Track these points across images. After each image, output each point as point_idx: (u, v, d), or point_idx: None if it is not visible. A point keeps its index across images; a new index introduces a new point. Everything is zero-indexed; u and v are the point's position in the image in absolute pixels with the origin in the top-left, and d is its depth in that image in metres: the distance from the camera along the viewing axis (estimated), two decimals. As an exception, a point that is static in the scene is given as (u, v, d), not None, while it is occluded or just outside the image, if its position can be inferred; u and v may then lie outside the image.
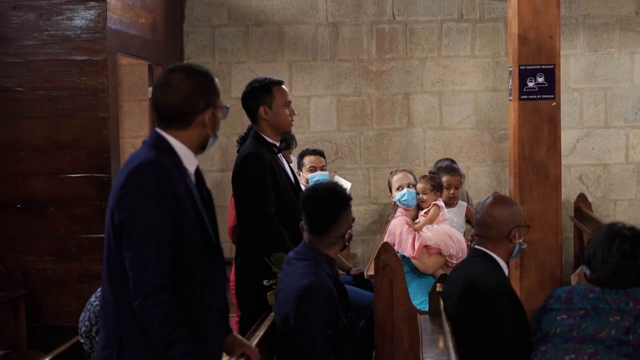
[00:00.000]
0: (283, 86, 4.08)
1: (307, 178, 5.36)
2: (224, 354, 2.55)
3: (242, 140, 4.83)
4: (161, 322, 2.19)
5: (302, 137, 7.41)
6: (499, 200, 3.13)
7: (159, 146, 2.38)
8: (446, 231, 4.62)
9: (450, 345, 2.61)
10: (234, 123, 7.48)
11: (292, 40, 7.38)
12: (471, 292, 2.92)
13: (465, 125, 7.29)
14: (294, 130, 7.43)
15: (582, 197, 6.97)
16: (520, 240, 3.04)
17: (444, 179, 5.20)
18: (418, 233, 4.62)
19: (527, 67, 4.25)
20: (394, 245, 4.50)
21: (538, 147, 4.28)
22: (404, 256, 4.59)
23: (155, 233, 2.22)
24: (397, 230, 4.69)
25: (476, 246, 3.07)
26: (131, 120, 7.42)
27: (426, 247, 4.59)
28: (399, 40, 7.31)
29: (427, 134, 7.32)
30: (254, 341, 2.79)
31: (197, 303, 2.31)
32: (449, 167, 5.63)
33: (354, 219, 3.26)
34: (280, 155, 4.05)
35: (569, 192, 7.18)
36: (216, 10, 7.44)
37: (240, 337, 2.61)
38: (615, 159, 7.21)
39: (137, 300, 2.21)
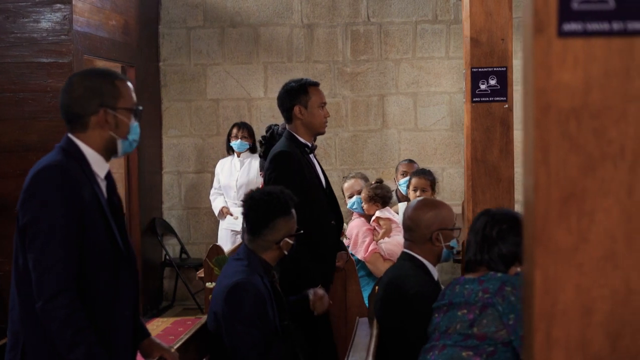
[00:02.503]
0: (319, 88, 4.05)
1: (271, 180, 5.36)
2: (143, 358, 2.56)
3: (265, 142, 4.80)
4: (63, 324, 2.20)
5: (277, 138, 7.43)
6: (423, 203, 3.14)
7: (67, 150, 2.39)
8: (399, 241, 4.64)
9: (372, 347, 2.61)
10: (209, 124, 7.50)
11: (267, 41, 7.38)
12: (394, 295, 2.92)
13: (440, 126, 7.28)
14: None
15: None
16: (448, 243, 3.03)
17: (412, 181, 5.22)
18: (375, 241, 4.64)
19: (480, 70, 4.24)
20: (349, 246, 4.50)
21: (490, 149, 4.27)
22: (361, 260, 4.60)
23: (58, 236, 2.23)
24: (354, 231, 4.69)
25: (404, 249, 3.07)
26: (107, 121, 7.42)
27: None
28: (374, 41, 7.31)
29: (402, 135, 7.32)
30: (177, 344, 2.80)
31: (103, 307, 2.32)
32: (421, 170, 5.61)
33: (299, 229, 3.21)
34: (312, 155, 4.03)
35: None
36: (192, 12, 7.45)
37: (157, 340, 2.62)
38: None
39: (39, 303, 2.22)
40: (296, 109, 3.93)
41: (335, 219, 4.03)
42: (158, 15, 7.44)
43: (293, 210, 3.17)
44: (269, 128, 4.83)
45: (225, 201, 6.72)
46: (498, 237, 2.64)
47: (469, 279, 2.65)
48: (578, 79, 1.42)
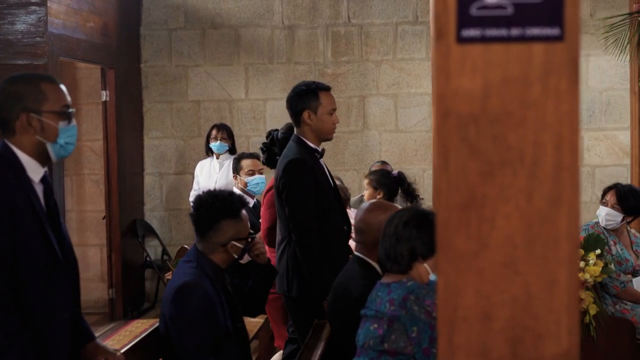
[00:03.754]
0: (330, 93, 3.95)
1: (245, 182, 5.37)
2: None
3: (267, 148, 4.75)
4: (-6, 328, 2.21)
5: (258, 140, 7.41)
6: (374, 206, 3.12)
7: (2, 155, 2.39)
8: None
9: (319, 350, 2.61)
10: (191, 126, 7.50)
11: (248, 43, 7.38)
12: (340, 298, 2.92)
13: (421, 127, 7.28)
14: (249, 132, 7.51)
15: (535, 200, 6.95)
16: None
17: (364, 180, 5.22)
18: None
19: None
20: None
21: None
22: None
23: (-13, 241, 2.23)
24: None
25: (355, 252, 3.06)
26: (89, 123, 7.43)
27: None
28: (355, 43, 7.31)
29: (383, 136, 7.32)
30: (125, 347, 2.80)
31: (38, 311, 2.32)
32: (373, 171, 5.54)
33: (252, 234, 3.18)
34: (321, 160, 3.96)
35: (524, 194, 7.17)
36: (173, 14, 7.45)
37: (102, 343, 2.62)
38: (570, 162, 7.18)
39: None
40: (305, 114, 3.82)
41: (346, 224, 3.97)
42: (139, 16, 7.44)
43: (243, 214, 3.15)
44: (269, 134, 4.80)
45: (205, 203, 6.72)
46: (399, 234, 2.57)
47: (382, 285, 2.61)
48: (477, 85, 1.42)
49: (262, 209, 4.63)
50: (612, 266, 4.43)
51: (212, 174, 6.72)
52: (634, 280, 4.53)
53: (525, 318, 1.45)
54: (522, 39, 1.41)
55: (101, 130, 7.04)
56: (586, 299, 4.19)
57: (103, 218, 7.09)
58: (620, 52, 5.05)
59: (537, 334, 1.45)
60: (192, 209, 3.21)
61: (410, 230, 2.53)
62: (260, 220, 4.68)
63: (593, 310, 4.20)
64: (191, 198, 6.84)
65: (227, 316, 3.03)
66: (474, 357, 1.46)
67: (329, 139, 4.02)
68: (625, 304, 4.49)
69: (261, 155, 4.85)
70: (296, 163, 3.78)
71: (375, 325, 2.51)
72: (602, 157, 7.15)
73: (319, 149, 3.91)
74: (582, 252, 4.18)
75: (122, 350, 2.70)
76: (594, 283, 4.21)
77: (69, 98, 2.49)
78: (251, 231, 3.21)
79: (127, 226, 7.18)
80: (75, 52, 6.06)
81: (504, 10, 1.42)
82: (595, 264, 4.14)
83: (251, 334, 4.73)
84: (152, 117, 7.51)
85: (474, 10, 1.42)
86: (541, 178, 1.42)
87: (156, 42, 7.47)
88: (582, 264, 4.14)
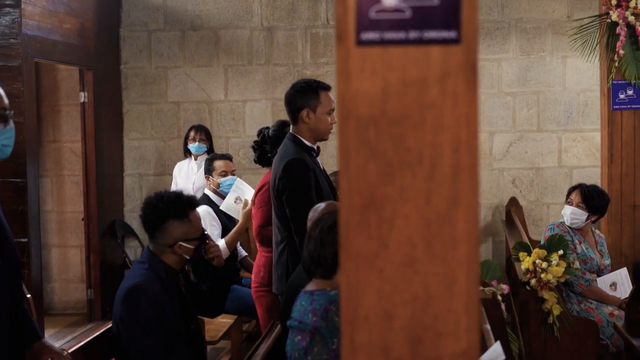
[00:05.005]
0: (330, 93, 3.91)
1: (218, 182, 5.38)
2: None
3: (258, 147, 4.76)
4: None
5: (238, 141, 7.45)
6: (329, 206, 3.13)
7: None
8: None
9: (263, 349, 2.63)
10: (171, 127, 7.52)
11: (228, 44, 7.40)
12: (291, 299, 2.93)
13: (400, 129, 7.28)
14: (229, 133, 7.52)
15: (513, 201, 6.98)
16: None
17: None
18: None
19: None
20: None
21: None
22: None
23: None
24: None
25: None
26: (69, 124, 7.45)
27: None
28: (333, 44, 7.32)
29: (361, 137, 7.32)
30: (74, 347, 2.81)
31: None
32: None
33: (203, 235, 3.18)
34: (317, 158, 3.92)
35: (502, 195, 7.20)
36: (152, 15, 7.47)
37: (49, 343, 2.63)
38: (548, 163, 7.22)
39: None
40: (304, 112, 3.78)
41: None
42: (119, 18, 7.45)
43: (193, 215, 3.16)
44: (260, 132, 4.80)
45: (183, 204, 6.73)
46: (324, 237, 2.52)
47: (306, 294, 2.55)
48: (376, 87, 1.44)
49: (253, 208, 4.62)
50: (577, 264, 4.46)
51: (190, 175, 6.74)
52: (599, 279, 4.56)
53: (425, 317, 1.46)
54: (420, 41, 1.43)
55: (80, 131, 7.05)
56: (550, 300, 4.22)
57: (82, 219, 7.10)
58: (590, 54, 5.07)
59: (436, 333, 1.47)
60: (141, 211, 3.22)
61: (334, 235, 2.47)
62: (252, 219, 4.67)
63: (557, 311, 4.22)
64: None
65: (180, 318, 3.04)
66: (375, 356, 1.48)
67: (325, 139, 3.97)
68: (590, 303, 4.52)
69: (254, 154, 4.84)
70: (296, 163, 3.72)
71: (299, 337, 2.45)
72: (580, 158, 7.17)
73: (315, 148, 3.88)
74: (544, 252, 4.20)
75: (72, 350, 2.71)
76: (558, 284, 4.24)
77: (6, 100, 2.51)
78: (205, 232, 3.21)
79: (106, 227, 7.19)
80: (50, 53, 6.07)
81: (402, 14, 1.43)
82: (557, 265, 4.16)
83: (219, 334, 4.75)
84: (132, 118, 7.52)
85: (373, 14, 1.44)
86: (439, 179, 1.44)
87: (136, 43, 7.48)
88: (544, 264, 4.16)
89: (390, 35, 1.43)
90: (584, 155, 7.17)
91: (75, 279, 7.56)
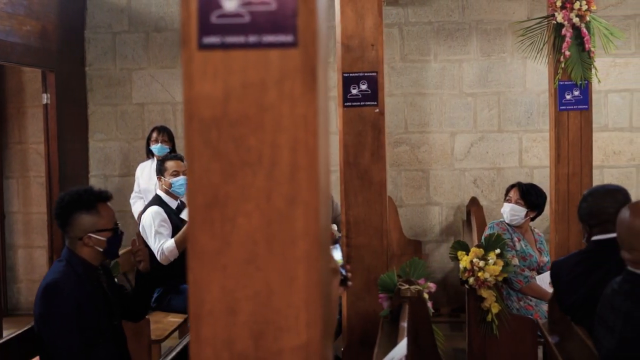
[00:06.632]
0: None
1: (170, 183, 5.42)
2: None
3: None
4: None
5: (202, 142, 7.48)
6: None
7: None
8: None
9: (179, 347, 2.67)
10: (135, 129, 7.55)
11: (192, 46, 7.42)
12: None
13: (362, 129, 7.34)
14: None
15: (473, 201, 7.04)
16: None
17: None
18: None
19: (351, 75, 4.32)
20: None
21: (362, 153, 4.34)
22: None
23: None
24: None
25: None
26: (35, 126, 7.49)
27: None
28: (296, 46, 7.36)
29: (332, 138, 7.36)
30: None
31: None
32: None
33: (115, 228, 3.20)
34: None
35: (463, 195, 7.26)
36: (117, 17, 7.50)
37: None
38: (509, 163, 7.28)
39: None
40: None
41: None
42: (83, 20, 7.48)
43: (101, 207, 3.16)
44: None
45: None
46: None
47: None
48: (218, 90, 1.49)
49: None
50: (516, 261, 4.53)
51: (152, 176, 6.76)
52: (538, 277, 4.62)
53: (267, 312, 1.51)
54: (259, 45, 1.48)
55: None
56: (488, 298, 4.27)
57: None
58: (537, 55, 5.13)
59: (278, 327, 1.51)
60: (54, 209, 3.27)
61: None
62: None
63: (495, 309, 4.28)
64: (132, 200, 6.89)
65: (102, 314, 3.08)
66: (219, 349, 1.52)
67: None
68: (530, 300, 4.58)
69: None
70: None
71: None
72: (540, 159, 7.23)
73: None
74: (482, 251, 4.26)
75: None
76: (496, 282, 4.29)
77: None
78: (117, 223, 3.21)
79: (70, 228, 7.21)
80: (9, 55, 6.10)
81: (242, 19, 1.48)
82: (495, 264, 4.22)
83: (165, 333, 4.79)
84: (97, 120, 7.56)
85: (214, 19, 1.48)
86: (279, 178, 1.49)
87: (100, 45, 7.51)
88: (481, 263, 4.22)
89: (231, 39, 1.48)
90: (545, 156, 7.22)
91: (41, 280, 7.55)
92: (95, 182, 7.58)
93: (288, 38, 1.47)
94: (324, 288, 1.56)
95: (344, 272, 2.65)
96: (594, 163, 6.87)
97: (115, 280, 4.21)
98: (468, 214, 7.01)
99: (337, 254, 2.65)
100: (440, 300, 6.95)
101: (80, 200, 3.12)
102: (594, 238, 3.13)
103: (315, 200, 1.50)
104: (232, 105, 1.49)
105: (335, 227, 4.31)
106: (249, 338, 1.52)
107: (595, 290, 2.83)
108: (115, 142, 7.56)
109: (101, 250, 3.15)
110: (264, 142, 1.49)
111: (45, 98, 6.94)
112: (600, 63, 6.76)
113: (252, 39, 1.48)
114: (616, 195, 3.08)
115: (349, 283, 2.66)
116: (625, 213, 2.50)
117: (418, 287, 3.62)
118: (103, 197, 3.20)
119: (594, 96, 6.83)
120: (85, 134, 7.54)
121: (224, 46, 1.48)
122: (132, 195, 6.88)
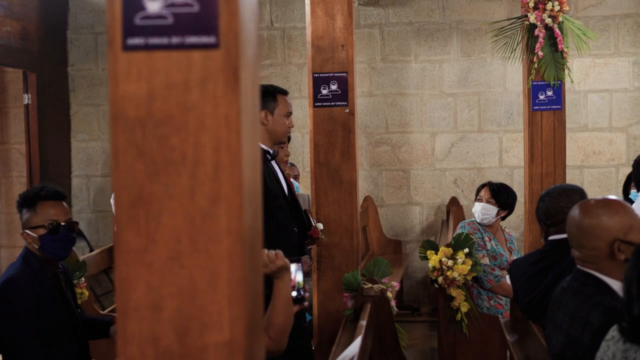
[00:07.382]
0: (287, 97, 3.96)
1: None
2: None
3: None
4: None
5: (184, 142, 7.51)
6: None
7: None
8: None
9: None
10: (117, 129, 7.57)
11: (174, 46, 7.45)
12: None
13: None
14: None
15: (453, 201, 7.07)
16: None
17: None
18: None
19: (321, 75, 4.35)
20: None
21: (333, 152, 4.37)
22: None
23: None
24: None
25: None
26: (17, 126, 7.49)
27: None
28: (277, 46, 7.40)
29: (305, 138, 7.41)
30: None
31: None
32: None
33: (48, 226, 3.13)
34: (274, 162, 3.92)
35: (444, 195, 7.29)
36: (99, 18, 7.53)
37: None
38: (489, 163, 7.32)
39: None
40: (262, 114, 3.80)
41: (297, 226, 3.96)
42: (66, 21, 7.51)
43: (40, 204, 3.12)
44: None
45: (126, 204, 6.80)
46: None
47: None
48: (142, 90, 1.51)
49: None
50: (487, 260, 4.56)
51: (133, 176, 6.80)
52: (507, 276, 4.65)
53: (191, 309, 1.54)
54: (181, 46, 1.50)
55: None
56: (458, 297, 4.30)
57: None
58: (511, 54, 5.17)
59: (202, 324, 1.54)
60: None
61: None
62: None
63: (465, 308, 4.31)
64: (112, 200, 6.92)
65: (62, 310, 3.11)
66: (145, 345, 1.55)
67: (282, 142, 4.02)
68: (500, 299, 4.61)
69: None
70: None
71: None
72: (520, 159, 7.25)
73: (271, 151, 3.90)
74: (451, 251, 4.29)
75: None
76: (465, 281, 4.32)
77: None
78: (58, 223, 3.13)
79: (52, 228, 7.23)
80: (-12, 56, 6.13)
81: (165, 20, 1.51)
82: (464, 263, 4.25)
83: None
84: (79, 120, 7.58)
85: (138, 20, 1.51)
86: (202, 177, 1.51)
87: (83, 45, 7.54)
88: (450, 262, 4.25)
89: (155, 40, 1.50)
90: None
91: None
92: (78, 182, 7.61)
93: (210, 39, 1.50)
94: (249, 286, 1.59)
95: (302, 292, 2.65)
96: (574, 163, 6.93)
97: (82, 280, 4.25)
98: (448, 213, 7.04)
99: (299, 275, 2.66)
100: (420, 299, 6.98)
101: (25, 197, 3.15)
102: (551, 238, 3.15)
103: (238, 199, 1.53)
104: (156, 105, 1.51)
105: (321, 225, 4.33)
106: (173, 334, 1.55)
107: (550, 289, 2.85)
108: (98, 142, 7.58)
109: (37, 247, 3.12)
110: (187, 141, 1.51)
111: (26, 98, 6.96)
112: (580, 63, 6.82)
113: (175, 40, 1.50)
114: (572, 195, 3.11)
115: (305, 303, 2.68)
116: (574, 211, 2.53)
117: (381, 286, 3.65)
118: (43, 195, 3.14)
119: (574, 96, 6.89)
120: (68, 134, 7.56)
121: (148, 47, 1.50)
122: (113, 195, 6.89)
